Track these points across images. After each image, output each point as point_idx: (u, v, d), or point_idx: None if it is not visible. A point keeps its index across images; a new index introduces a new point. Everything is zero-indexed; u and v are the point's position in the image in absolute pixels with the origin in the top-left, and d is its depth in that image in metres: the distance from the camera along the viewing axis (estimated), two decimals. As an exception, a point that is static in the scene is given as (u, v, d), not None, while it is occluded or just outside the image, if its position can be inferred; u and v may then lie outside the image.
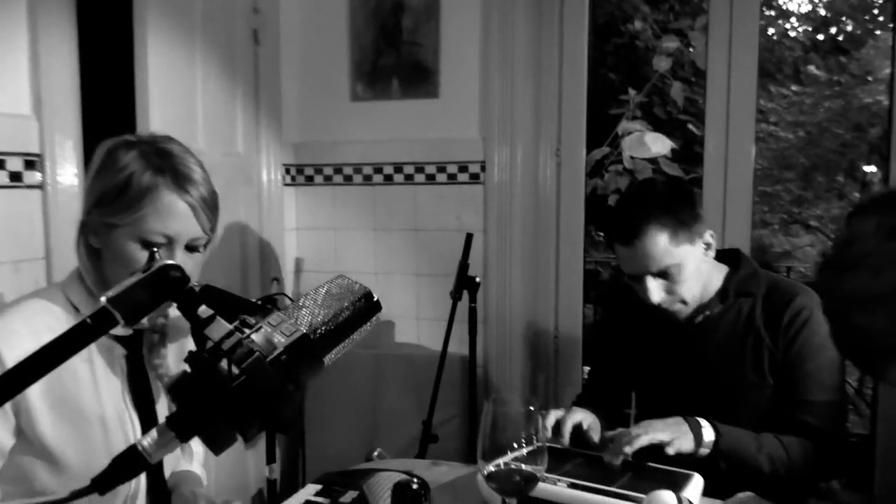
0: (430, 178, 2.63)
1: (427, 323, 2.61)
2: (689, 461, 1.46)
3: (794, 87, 7.20)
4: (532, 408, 1.11)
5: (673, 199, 1.62)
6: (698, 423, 1.50)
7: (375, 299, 0.69)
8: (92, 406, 1.24)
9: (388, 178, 2.68)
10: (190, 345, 1.43)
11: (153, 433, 0.62)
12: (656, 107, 5.97)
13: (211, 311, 0.63)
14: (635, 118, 4.06)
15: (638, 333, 1.82)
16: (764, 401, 1.65)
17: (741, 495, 1.16)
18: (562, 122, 2.67)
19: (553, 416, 1.58)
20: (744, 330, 1.67)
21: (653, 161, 3.76)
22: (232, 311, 0.70)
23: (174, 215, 1.19)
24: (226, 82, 2.46)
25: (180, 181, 1.20)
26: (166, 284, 0.63)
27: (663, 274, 1.61)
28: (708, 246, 1.68)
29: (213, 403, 0.59)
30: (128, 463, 0.62)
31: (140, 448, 0.61)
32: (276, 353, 0.61)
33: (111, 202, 1.19)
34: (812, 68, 7.29)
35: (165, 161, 1.21)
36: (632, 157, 3.79)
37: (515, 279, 2.56)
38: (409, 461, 1.73)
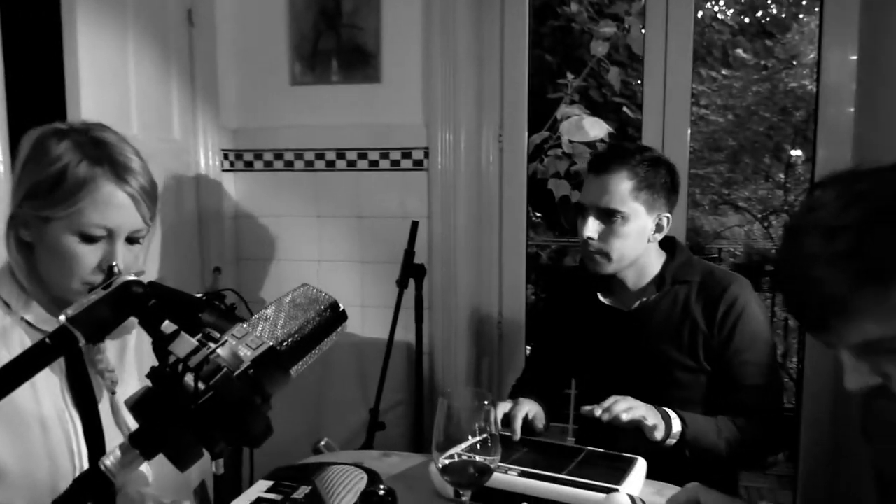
0: (374, 165, 2.61)
1: (372, 310, 2.60)
2: (655, 449, 1.51)
3: (724, 71, 7.40)
4: (486, 402, 1.13)
5: (656, 164, 1.72)
6: (668, 413, 1.55)
7: (341, 309, 0.68)
8: (29, 406, 1.19)
9: (331, 164, 2.65)
10: (130, 341, 1.40)
11: (116, 452, 0.60)
12: (592, 90, 6.05)
13: (175, 327, 0.62)
14: (573, 102, 4.11)
15: (577, 318, 1.86)
16: (699, 384, 1.72)
17: (688, 486, 1.20)
18: (504, 107, 2.68)
19: (501, 409, 1.61)
20: (680, 316, 1.73)
21: (591, 145, 3.81)
22: (180, 309, 0.68)
23: (114, 207, 1.15)
24: (160, 65, 2.38)
25: (119, 171, 1.15)
26: (129, 301, 0.61)
27: (609, 215, 1.68)
28: (659, 228, 1.73)
29: (179, 420, 0.58)
30: (91, 483, 0.60)
31: (103, 468, 0.59)
32: (243, 367, 0.59)
33: (45, 195, 1.13)
34: (740, 52, 7.49)
35: (102, 151, 1.17)
36: (570, 142, 3.83)
37: (460, 265, 2.57)
38: (359, 453, 1.73)
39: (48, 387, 1.21)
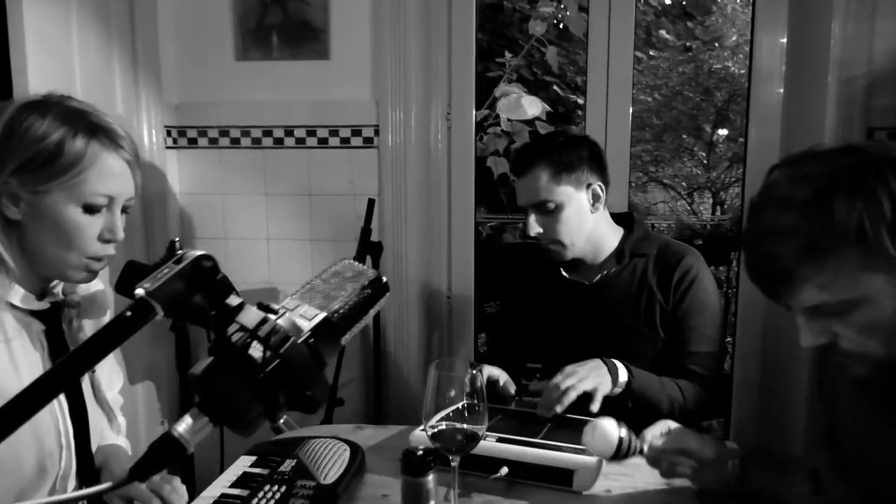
0: (323, 142, 2.59)
1: (326, 287, 2.60)
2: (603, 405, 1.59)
3: (651, 52, 7.63)
4: (474, 371, 1.17)
5: (561, 144, 1.79)
6: (615, 364, 1.64)
7: (384, 281, 0.71)
8: (12, 386, 1.17)
9: (279, 142, 2.62)
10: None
11: (187, 419, 0.62)
12: (523, 68, 6.14)
13: (240, 300, 0.63)
14: (511, 81, 4.15)
15: (541, 293, 1.92)
16: (656, 351, 1.82)
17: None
18: (451, 85, 2.71)
19: None
20: (638, 288, 1.81)
21: (529, 123, 3.87)
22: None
23: (114, 174, 1.18)
24: (102, 38, 2.29)
25: (114, 138, 1.18)
26: (200, 275, 0.62)
27: (543, 208, 1.77)
28: (596, 197, 1.80)
29: (247, 389, 0.60)
30: (165, 450, 0.61)
31: (176, 434, 0.61)
32: (304, 336, 0.62)
33: (40, 169, 1.12)
34: (663, 33, 7.73)
35: (90, 120, 1.18)
36: (509, 120, 3.88)
37: (411, 242, 2.60)
38: (333, 427, 1.76)
39: (30, 366, 1.19)
